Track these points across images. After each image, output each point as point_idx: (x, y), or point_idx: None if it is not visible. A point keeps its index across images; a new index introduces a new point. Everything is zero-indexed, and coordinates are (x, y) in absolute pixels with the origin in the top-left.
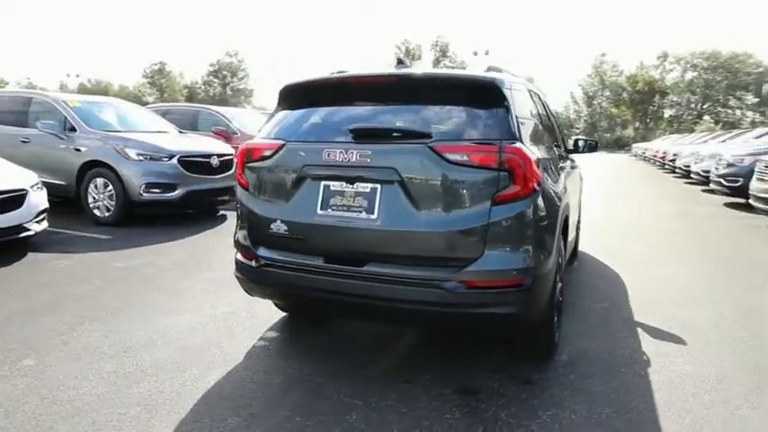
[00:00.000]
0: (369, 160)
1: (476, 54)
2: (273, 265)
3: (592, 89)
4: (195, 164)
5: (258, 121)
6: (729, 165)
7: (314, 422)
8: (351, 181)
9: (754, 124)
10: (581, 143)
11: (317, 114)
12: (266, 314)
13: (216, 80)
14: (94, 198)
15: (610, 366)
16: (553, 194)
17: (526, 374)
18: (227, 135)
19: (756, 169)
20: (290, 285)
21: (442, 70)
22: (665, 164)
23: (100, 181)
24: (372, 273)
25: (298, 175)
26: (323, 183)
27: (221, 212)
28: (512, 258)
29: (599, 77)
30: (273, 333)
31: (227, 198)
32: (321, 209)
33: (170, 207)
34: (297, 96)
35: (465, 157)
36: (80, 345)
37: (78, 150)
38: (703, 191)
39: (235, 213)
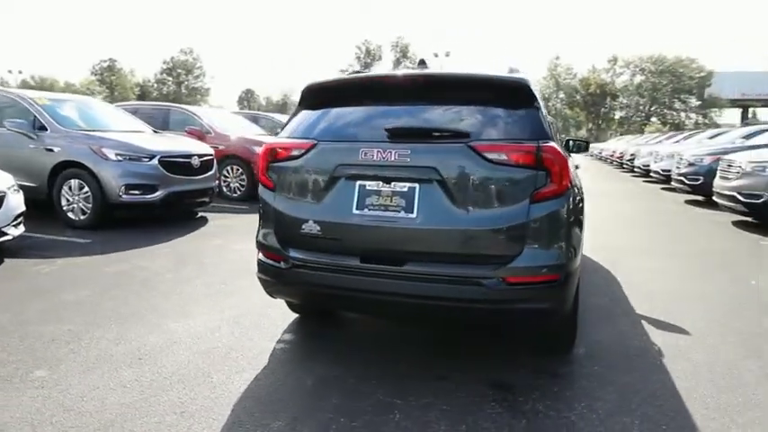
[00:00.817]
0: (408, 160)
1: (436, 56)
2: (305, 265)
3: (547, 91)
4: (176, 164)
5: (232, 121)
6: (690, 164)
7: (360, 423)
8: (387, 180)
9: (697, 125)
10: (571, 143)
11: (348, 114)
12: (277, 316)
13: (170, 78)
14: (68, 200)
15: (627, 358)
16: (578, 192)
17: (551, 368)
18: (200, 134)
19: (719, 168)
20: (323, 286)
21: (471, 71)
22: (622, 163)
23: (74, 182)
24: (412, 271)
25: (331, 175)
26: (358, 182)
27: (200, 215)
28: (548, 255)
29: (554, 80)
30: (290, 335)
31: (207, 200)
32: (357, 208)
33: (150, 209)
34: (323, 96)
35: (504, 157)
36: (91, 353)
37: (50, 150)
38: (662, 189)
39: (215, 215)
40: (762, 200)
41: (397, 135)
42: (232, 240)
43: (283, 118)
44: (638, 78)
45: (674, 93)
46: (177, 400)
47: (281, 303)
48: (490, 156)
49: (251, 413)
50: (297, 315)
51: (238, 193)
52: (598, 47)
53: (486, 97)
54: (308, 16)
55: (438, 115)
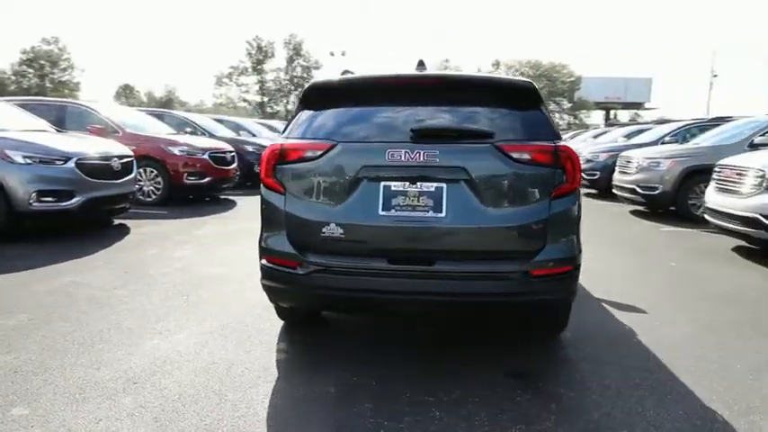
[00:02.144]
0: (437, 160)
1: (332, 54)
2: (327, 270)
3: None
4: (95, 167)
5: (140, 119)
6: (588, 161)
7: (407, 424)
8: (413, 181)
9: (570, 125)
10: None
11: (365, 114)
12: (262, 326)
13: (31, 70)
14: None
15: (608, 337)
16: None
17: (549, 353)
18: (105, 134)
19: (618, 163)
20: (347, 290)
21: (482, 73)
22: None
23: None
24: (443, 270)
25: (355, 176)
26: (382, 183)
27: (117, 222)
28: (565, 248)
29: None
30: (286, 344)
31: (127, 206)
32: (383, 210)
33: (66, 218)
34: (331, 96)
35: (527, 156)
36: (71, 383)
37: None
38: None
39: (135, 222)
40: (657, 191)
41: (424, 136)
42: (168, 248)
43: (190, 116)
44: None
45: (550, 95)
46: (201, 424)
47: (260, 312)
48: (515, 155)
49: (287, 428)
50: (282, 323)
51: (153, 197)
52: (482, 51)
53: (500, 99)
54: (192, 7)
55: (457, 116)
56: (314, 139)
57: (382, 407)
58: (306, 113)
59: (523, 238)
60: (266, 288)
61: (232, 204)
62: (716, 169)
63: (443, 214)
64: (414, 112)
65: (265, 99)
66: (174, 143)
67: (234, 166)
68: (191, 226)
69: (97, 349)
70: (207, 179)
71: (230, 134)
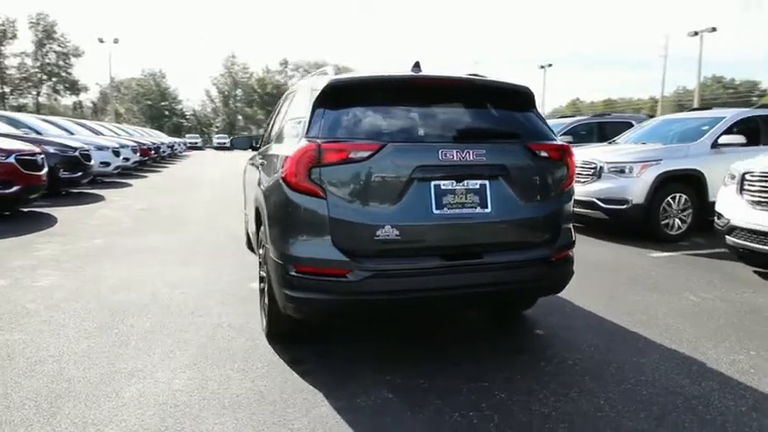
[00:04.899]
0: (484, 159)
1: (102, 41)
2: (381, 274)
3: (225, 88)
4: None
5: None
6: None
7: (489, 410)
8: (459, 179)
9: None
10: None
11: (402, 114)
12: (244, 346)
13: None
14: None
15: (562, 310)
16: None
17: (528, 330)
18: None
19: None
20: (403, 291)
21: (492, 77)
22: None
23: None
24: (490, 262)
25: (409, 176)
26: (433, 182)
27: None
28: (570, 233)
29: (231, 78)
30: (293, 360)
31: None
32: (437, 208)
33: None
34: (361, 95)
35: (546, 154)
36: None
37: None
38: None
39: None
40: None
41: (470, 136)
42: (21, 277)
43: None
44: None
45: None
46: None
47: (228, 334)
48: (539, 153)
49: None
50: (265, 341)
51: None
52: (270, 49)
53: (515, 101)
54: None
55: (488, 117)
56: (359, 139)
57: (453, 401)
58: (329, 113)
59: (549, 227)
60: (297, 301)
61: (48, 218)
62: None
63: (489, 209)
64: (448, 113)
65: (7, 90)
66: None
67: (45, 171)
68: (18, 248)
69: (68, 409)
70: (15, 188)
71: (14, 132)
